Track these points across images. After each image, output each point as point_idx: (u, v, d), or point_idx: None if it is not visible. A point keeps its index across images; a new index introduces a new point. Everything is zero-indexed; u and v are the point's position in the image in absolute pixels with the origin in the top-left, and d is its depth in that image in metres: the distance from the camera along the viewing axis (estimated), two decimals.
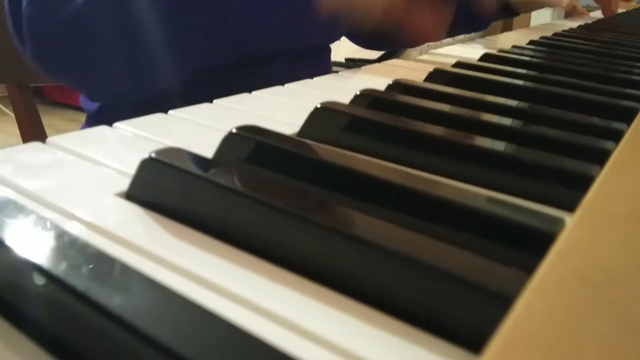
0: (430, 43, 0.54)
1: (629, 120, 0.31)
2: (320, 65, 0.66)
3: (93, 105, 0.69)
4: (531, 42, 0.65)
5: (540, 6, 1.11)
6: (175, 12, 0.48)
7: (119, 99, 0.59)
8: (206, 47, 0.51)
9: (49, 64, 0.52)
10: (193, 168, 0.20)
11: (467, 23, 0.50)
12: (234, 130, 0.24)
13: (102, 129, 0.27)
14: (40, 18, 0.49)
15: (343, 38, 0.74)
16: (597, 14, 1.19)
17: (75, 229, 0.18)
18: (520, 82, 0.41)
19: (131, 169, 0.21)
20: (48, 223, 0.17)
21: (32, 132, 0.88)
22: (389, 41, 0.49)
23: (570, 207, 0.20)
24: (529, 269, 0.15)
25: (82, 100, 0.72)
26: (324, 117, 0.29)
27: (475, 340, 0.13)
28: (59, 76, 0.55)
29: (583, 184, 0.21)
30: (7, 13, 0.52)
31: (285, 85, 0.39)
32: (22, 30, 0.51)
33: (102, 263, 0.15)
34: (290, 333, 0.14)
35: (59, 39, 0.50)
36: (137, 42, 0.49)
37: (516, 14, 1.11)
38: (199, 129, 0.29)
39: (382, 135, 0.27)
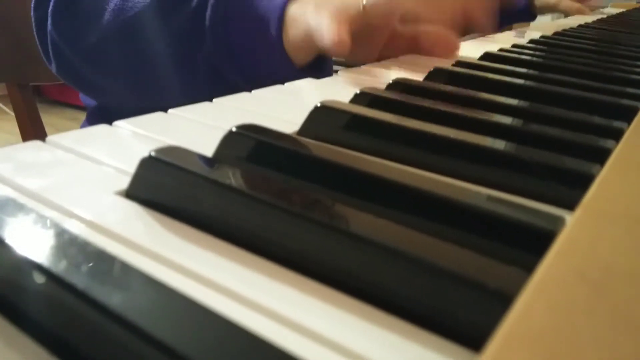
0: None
1: (629, 119, 0.31)
2: (320, 65, 0.67)
3: (93, 101, 0.70)
4: (531, 41, 0.65)
5: (552, 11, 1.13)
6: (168, 59, 0.52)
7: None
8: (224, 86, 0.53)
9: (69, 79, 0.59)
10: (193, 167, 0.20)
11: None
12: (234, 129, 0.24)
13: (102, 128, 0.27)
14: (62, 43, 0.53)
15: None
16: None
17: (75, 228, 0.18)
18: (520, 81, 0.41)
19: (131, 167, 0.21)
20: (48, 221, 0.17)
21: (32, 130, 0.88)
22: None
23: (571, 206, 0.20)
24: (529, 268, 0.15)
25: (83, 95, 0.73)
26: (324, 115, 0.29)
27: (475, 339, 0.13)
28: (77, 88, 0.61)
29: (583, 182, 0.21)
30: (34, 29, 0.56)
31: (285, 84, 0.39)
32: (47, 47, 0.55)
33: (102, 261, 0.15)
34: (291, 331, 0.14)
35: (80, 63, 0.55)
36: (153, 74, 0.53)
37: (534, 16, 1.13)
38: (198, 127, 0.29)
39: (382, 134, 0.27)
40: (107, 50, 0.52)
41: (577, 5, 1.12)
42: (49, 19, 0.53)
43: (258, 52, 0.49)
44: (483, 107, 0.33)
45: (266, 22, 0.47)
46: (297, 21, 0.46)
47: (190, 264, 0.16)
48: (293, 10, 0.46)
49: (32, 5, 0.56)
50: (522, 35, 0.71)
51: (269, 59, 0.49)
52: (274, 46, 0.47)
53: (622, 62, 0.53)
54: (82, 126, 0.72)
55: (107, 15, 0.51)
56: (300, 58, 0.47)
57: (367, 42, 0.49)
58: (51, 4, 0.53)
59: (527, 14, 1.14)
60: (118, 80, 0.56)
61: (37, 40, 0.56)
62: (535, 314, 0.12)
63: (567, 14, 1.12)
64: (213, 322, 0.13)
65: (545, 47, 0.62)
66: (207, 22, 0.48)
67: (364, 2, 0.43)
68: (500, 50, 0.55)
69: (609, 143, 0.27)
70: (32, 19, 0.56)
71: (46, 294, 0.14)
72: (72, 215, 0.19)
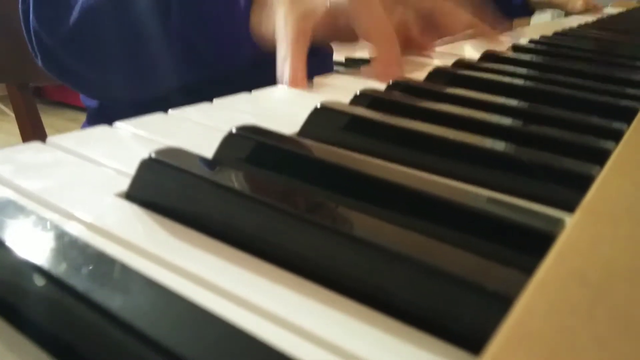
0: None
1: (629, 120, 0.31)
2: (321, 64, 0.67)
3: (94, 102, 0.70)
4: (531, 41, 0.65)
5: (549, 6, 1.13)
6: (138, 35, 0.51)
7: (120, 101, 0.64)
8: (197, 63, 0.53)
9: (55, 72, 0.57)
10: (193, 168, 0.20)
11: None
12: (234, 130, 0.24)
13: (102, 129, 0.27)
14: (43, 32, 0.53)
15: None
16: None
17: (75, 230, 0.18)
18: (520, 82, 0.41)
19: (131, 169, 0.21)
20: (48, 223, 0.17)
21: (32, 131, 0.88)
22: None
23: (570, 207, 0.20)
24: (529, 270, 0.15)
25: (83, 97, 0.73)
26: (324, 116, 0.29)
27: (474, 341, 0.13)
28: (65, 83, 0.60)
29: (583, 184, 0.21)
30: (21, 23, 0.55)
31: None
32: (32, 39, 0.55)
33: (102, 263, 0.15)
34: (290, 333, 0.14)
35: (60, 51, 0.54)
36: (130, 55, 0.53)
37: (531, 11, 1.13)
38: (199, 128, 0.29)
39: (382, 135, 0.28)
40: (80, 35, 0.52)
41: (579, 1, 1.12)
42: (31, 7, 0.53)
43: (225, 28, 0.48)
44: (483, 108, 0.33)
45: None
46: (265, 10, 0.45)
47: (190, 266, 0.16)
48: None
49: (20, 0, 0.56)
50: (522, 35, 0.71)
51: (236, 38, 0.48)
52: (241, 24, 0.46)
53: (622, 63, 0.53)
54: (83, 127, 0.72)
55: None
56: (266, 46, 0.46)
57: (345, 33, 0.48)
58: None
59: (524, 9, 1.14)
60: (93, 68, 0.55)
61: (24, 34, 0.56)
62: (535, 316, 0.13)
63: (563, 8, 1.13)
64: (213, 324, 0.13)
65: (545, 47, 0.62)
66: None
67: (330, 2, 0.42)
68: (500, 50, 0.55)
69: (608, 144, 0.27)
70: (20, 13, 0.56)
71: (46, 297, 0.14)
72: (72, 217, 0.19)
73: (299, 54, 0.41)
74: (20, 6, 0.56)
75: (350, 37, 0.46)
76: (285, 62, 0.40)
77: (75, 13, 0.51)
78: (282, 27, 0.42)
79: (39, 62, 0.57)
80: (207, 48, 0.50)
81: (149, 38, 0.50)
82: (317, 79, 0.41)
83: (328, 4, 0.42)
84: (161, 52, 0.51)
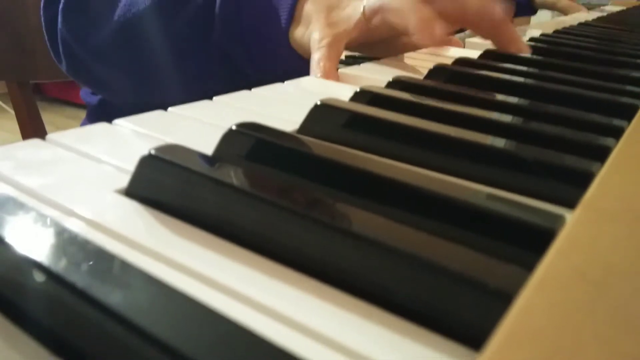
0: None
1: (629, 117, 0.31)
2: None
3: (94, 99, 0.71)
4: (531, 39, 0.65)
5: (550, 8, 1.15)
6: (180, 49, 0.53)
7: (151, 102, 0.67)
8: (234, 73, 0.54)
9: (80, 78, 0.61)
10: (193, 165, 0.20)
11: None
12: (234, 127, 0.24)
13: (102, 126, 0.27)
14: (72, 41, 0.54)
15: None
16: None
17: (75, 226, 0.18)
18: (520, 79, 0.41)
19: (131, 165, 0.21)
20: (48, 220, 0.17)
21: (32, 129, 0.88)
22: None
23: (571, 204, 0.20)
24: (529, 266, 0.15)
25: (83, 93, 0.73)
26: (324, 114, 0.29)
27: (475, 338, 0.13)
28: (88, 86, 0.63)
29: (583, 180, 0.21)
30: (43, 28, 0.57)
31: (285, 82, 0.39)
32: (57, 46, 0.56)
33: (102, 260, 0.15)
34: (291, 330, 0.14)
35: (88, 60, 0.56)
36: (149, 69, 0.55)
37: (534, 10, 1.15)
38: (198, 125, 0.29)
39: (382, 132, 0.27)
40: (116, 47, 0.53)
41: (575, 4, 1.13)
42: (59, 16, 0.54)
43: (267, 43, 0.50)
44: (483, 105, 0.33)
45: (276, 15, 0.48)
46: (303, 23, 0.47)
47: (189, 262, 0.16)
48: (305, 9, 0.47)
49: (42, 5, 0.56)
50: (522, 33, 0.71)
51: (277, 51, 0.50)
52: (281, 40, 0.48)
53: (622, 60, 0.53)
54: (82, 124, 0.72)
55: (116, 11, 0.51)
56: (307, 54, 0.47)
57: (383, 43, 0.50)
58: (62, 2, 0.53)
59: (528, 8, 1.15)
60: (127, 77, 0.56)
61: (47, 40, 0.57)
62: (536, 312, 0.12)
63: (564, 12, 1.14)
64: (213, 320, 0.13)
65: (545, 45, 0.61)
66: (217, 10, 0.50)
67: (365, 6, 0.44)
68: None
69: (609, 141, 0.27)
70: (42, 19, 0.56)
71: (46, 293, 0.14)
72: (71, 213, 0.19)
73: (332, 57, 0.43)
74: (42, 12, 0.56)
75: (381, 34, 0.48)
76: (318, 64, 0.43)
77: (109, 25, 0.52)
78: (317, 38, 0.45)
79: (63, 68, 0.58)
80: (249, 64, 0.53)
81: (189, 52, 0.52)
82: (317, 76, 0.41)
83: (362, 9, 0.44)
84: (199, 65, 0.53)
